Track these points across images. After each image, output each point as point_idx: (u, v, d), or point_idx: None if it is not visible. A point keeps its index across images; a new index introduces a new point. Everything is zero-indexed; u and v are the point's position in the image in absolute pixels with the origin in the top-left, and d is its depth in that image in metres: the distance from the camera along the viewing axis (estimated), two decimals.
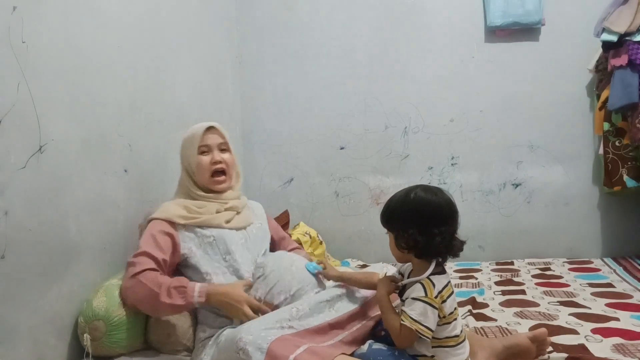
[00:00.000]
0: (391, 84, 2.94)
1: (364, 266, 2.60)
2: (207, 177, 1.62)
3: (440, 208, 1.18)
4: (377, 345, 1.25)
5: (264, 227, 1.75)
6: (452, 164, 2.90)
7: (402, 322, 1.15)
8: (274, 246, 1.81)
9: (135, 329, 1.46)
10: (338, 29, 2.98)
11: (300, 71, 3.01)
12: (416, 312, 1.13)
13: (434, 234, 1.15)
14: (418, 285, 1.17)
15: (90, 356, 1.37)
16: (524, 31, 2.80)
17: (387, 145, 2.95)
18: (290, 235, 2.12)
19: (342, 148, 2.99)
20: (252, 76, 3.04)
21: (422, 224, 1.16)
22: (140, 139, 1.84)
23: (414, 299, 1.15)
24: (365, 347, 1.26)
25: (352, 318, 1.37)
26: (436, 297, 1.14)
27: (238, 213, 1.66)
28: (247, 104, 3.03)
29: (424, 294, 1.14)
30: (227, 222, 1.60)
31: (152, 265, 1.44)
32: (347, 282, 1.46)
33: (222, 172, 1.64)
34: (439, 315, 1.15)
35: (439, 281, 1.17)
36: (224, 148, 1.67)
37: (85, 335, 1.37)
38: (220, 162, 1.63)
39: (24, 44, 1.27)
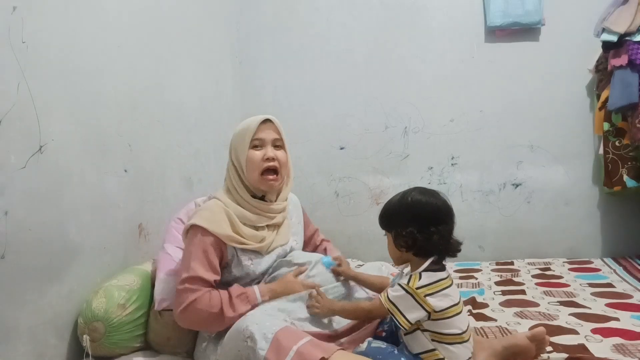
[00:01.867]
0: (391, 84, 2.94)
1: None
2: (256, 175, 1.48)
3: (437, 208, 1.21)
4: (376, 344, 1.25)
5: (299, 238, 1.68)
6: (452, 164, 2.90)
7: (381, 297, 1.21)
8: (305, 243, 1.77)
9: (135, 330, 1.46)
10: (338, 29, 2.98)
11: (300, 71, 3.01)
12: (394, 294, 1.18)
13: (432, 232, 1.19)
14: (406, 276, 1.22)
15: (90, 357, 1.37)
16: (524, 31, 2.80)
17: (387, 145, 2.95)
18: None
19: (342, 148, 2.99)
20: (252, 76, 3.04)
21: (420, 223, 1.19)
22: (140, 139, 1.84)
23: (398, 284, 1.20)
24: (364, 345, 1.26)
25: (352, 329, 1.40)
26: (418, 288, 1.16)
27: (278, 227, 1.57)
28: (247, 104, 3.03)
29: (406, 282, 1.18)
30: (268, 250, 1.51)
31: (207, 288, 1.36)
32: (361, 284, 1.50)
33: (274, 170, 1.50)
34: (425, 309, 1.15)
35: (430, 276, 1.19)
36: (278, 145, 1.52)
37: (84, 336, 1.37)
38: (273, 160, 1.48)
39: (24, 44, 1.27)
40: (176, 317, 1.37)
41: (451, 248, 1.22)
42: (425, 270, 1.19)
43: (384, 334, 1.37)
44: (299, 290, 1.41)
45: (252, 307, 1.35)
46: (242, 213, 1.48)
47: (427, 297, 1.16)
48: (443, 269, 1.23)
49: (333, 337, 1.36)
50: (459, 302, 1.21)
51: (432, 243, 1.19)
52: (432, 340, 1.19)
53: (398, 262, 1.28)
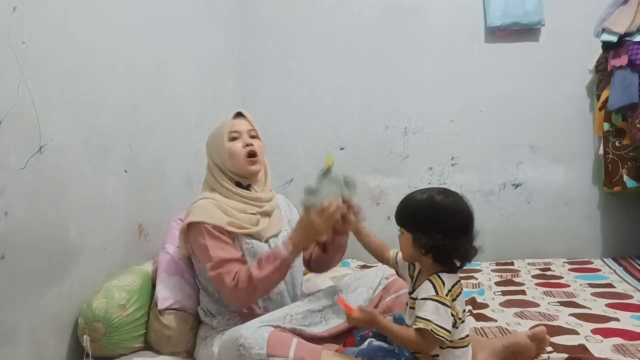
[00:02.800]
0: (391, 84, 2.94)
1: (364, 267, 2.60)
2: (242, 161, 1.53)
3: (465, 216, 1.16)
4: (378, 342, 1.25)
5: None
6: (452, 164, 2.90)
7: (415, 326, 1.11)
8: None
9: (135, 331, 1.46)
10: (338, 29, 2.98)
11: (300, 71, 3.01)
12: (428, 312, 1.10)
13: (460, 243, 1.13)
14: (427, 284, 1.14)
15: (90, 357, 1.37)
16: (523, 31, 2.80)
17: (387, 146, 2.95)
18: None
19: (342, 148, 2.99)
20: (252, 76, 3.04)
21: (449, 233, 1.13)
22: (140, 139, 1.84)
23: (424, 299, 1.12)
24: (365, 344, 1.26)
25: (342, 332, 1.42)
26: (446, 294, 1.12)
27: (269, 216, 1.59)
28: (247, 104, 3.03)
29: (434, 292, 1.12)
30: (265, 235, 1.53)
31: (238, 267, 1.40)
32: (360, 237, 1.50)
33: (255, 154, 1.55)
34: (452, 315, 1.11)
35: (449, 279, 1.15)
36: (253, 135, 1.59)
37: (84, 336, 1.37)
38: (252, 145, 1.55)
39: (24, 44, 1.27)
40: (232, 303, 1.44)
41: (473, 255, 1.17)
42: (442, 271, 1.16)
43: (370, 334, 1.34)
44: (322, 228, 1.41)
45: (282, 263, 1.37)
46: (231, 203, 1.51)
47: (454, 302, 1.12)
48: (456, 271, 1.20)
49: (324, 340, 1.39)
50: (465, 307, 1.21)
51: (459, 254, 1.14)
52: (440, 346, 1.15)
53: (409, 259, 1.23)
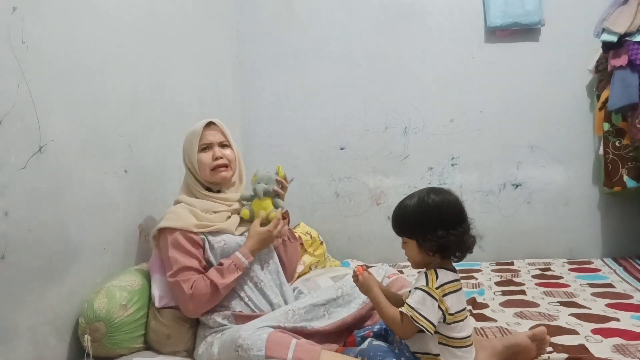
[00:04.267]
0: (391, 84, 2.94)
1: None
2: (208, 172, 1.60)
3: (459, 206, 1.21)
4: (377, 342, 1.26)
5: None
6: (452, 165, 2.90)
7: (400, 310, 1.17)
8: None
9: (136, 331, 1.46)
10: (338, 29, 2.98)
11: (300, 71, 3.01)
12: (414, 300, 1.15)
13: (461, 232, 1.17)
14: (422, 275, 1.19)
15: (91, 357, 1.36)
16: (524, 31, 2.81)
17: (387, 146, 2.95)
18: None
19: (342, 148, 2.99)
20: (252, 76, 3.04)
21: (448, 225, 1.17)
22: (140, 139, 1.84)
23: (415, 288, 1.18)
24: (365, 344, 1.27)
25: (345, 325, 1.43)
26: (437, 288, 1.15)
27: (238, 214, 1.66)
28: (247, 104, 3.03)
29: (424, 283, 1.16)
30: (236, 229, 1.60)
31: (196, 276, 1.45)
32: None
33: (224, 165, 1.62)
34: (443, 310, 1.14)
35: (445, 274, 1.18)
36: (225, 144, 1.64)
37: (85, 336, 1.36)
38: (221, 158, 1.60)
39: (24, 44, 1.27)
40: (184, 311, 1.45)
41: (473, 243, 1.21)
42: (440, 268, 1.18)
43: (371, 334, 1.36)
44: (273, 239, 1.56)
45: (243, 272, 1.47)
46: (200, 204, 1.58)
47: (444, 298, 1.15)
48: (455, 270, 1.22)
49: (326, 335, 1.39)
50: (466, 307, 1.22)
51: (463, 242, 1.18)
52: (439, 343, 1.18)
53: (419, 266, 1.25)
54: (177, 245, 1.47)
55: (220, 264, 1.48)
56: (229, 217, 1.61)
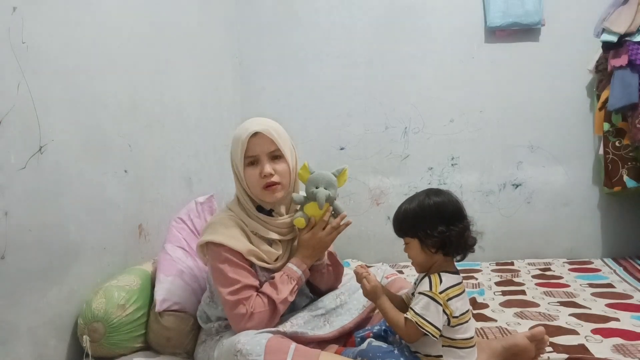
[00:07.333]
0: (391, 84, 2.94)
1: None
2: (258, 191, 1.39)
3: (457, 203, 1.22)
4: (377, 343, 1.26)
5: None
6: (452, 165, 2.90)
7: (406, 316, 1.17)
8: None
9: (135, 331, 1.46)
10: (338, 29, 2.98)
11: (300, 71, 3.01)
12: (419, 306, 1.15)
13: (462, 228, 1.19)
14: (426, 280, 1.19)
15: (90, 357, 1.36)
16: (523, 31, 2.80)
17: (387, 146, 2.95)
18: None
19: (342, 148, 2.99)
20: (252, 76, 3.04)
21: (449, 221, 1.19)
22: (140, 139, 1.84)
23: (419, 293, 1.18)
24: (365, 344, 1.27)
25: (346, 332, 1.41)
26: (441, 293, 1.15)
27: (292, 243, 1.48)
28: (247, 104, 3.03)
29: (428, 288, 1.16)
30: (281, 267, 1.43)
31: (254, 294, 1.34)
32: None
33: (274, 184, 1.39)
34: (447, 314, 1.15)
35: (449, 278, 1.18)
36: (277, 155, 1.40)
37: (84, 336, 1.36)
38: (271, 175, 1.37)
39: (24, 44, 1.27)
40: (239, 330, 1.30)
41: (474, 241, 1.22)
42: (443, 272, 1.19)
43: (370, 334, 1.35)
44: (328, 243, 1.42)
45: (298, 283, 1.37)
46: (251, 224, 1.41)
47: (448, 302, 1.15)
48: (457, 272, 1.23)
49: (325, 342, 1.38)
50: (470, 309, 1.22)
51: (464, 238, 1.19)
52: (443, 345, 1.18)
53: (423, 267, 1.24)
54: (233, 263, 1.33)
55: (272, 278, 1.37)
56: (278, 257, 1.42)
